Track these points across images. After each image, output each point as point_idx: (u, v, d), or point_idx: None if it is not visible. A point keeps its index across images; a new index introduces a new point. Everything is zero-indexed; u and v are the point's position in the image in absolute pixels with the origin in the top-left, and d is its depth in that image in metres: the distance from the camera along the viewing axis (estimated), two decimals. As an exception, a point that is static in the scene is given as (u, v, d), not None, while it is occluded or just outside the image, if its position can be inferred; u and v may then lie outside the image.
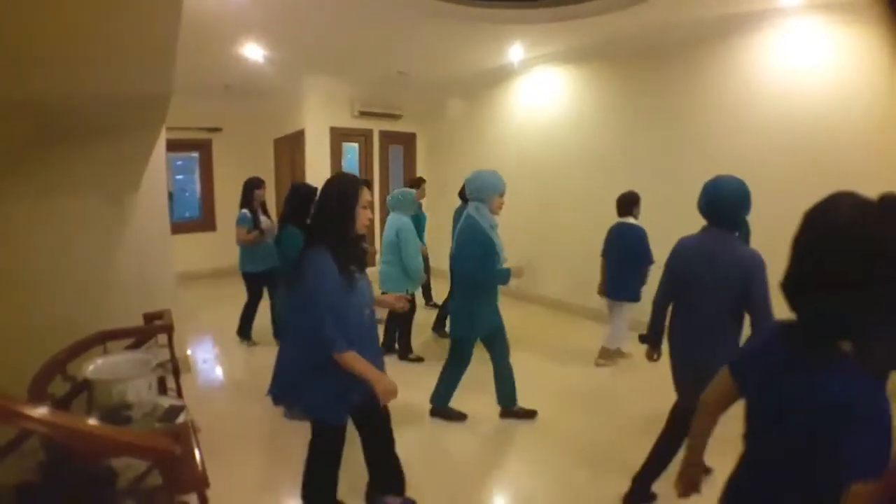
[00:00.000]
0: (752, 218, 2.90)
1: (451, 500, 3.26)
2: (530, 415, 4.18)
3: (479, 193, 3.73)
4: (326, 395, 2.45)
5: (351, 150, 9.45)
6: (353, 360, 2.32)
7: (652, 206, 5.38)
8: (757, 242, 3.33)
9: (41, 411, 1.44)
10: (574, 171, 7.25)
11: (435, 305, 7.38)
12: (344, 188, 2.47)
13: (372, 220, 2.61)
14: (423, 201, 6.99)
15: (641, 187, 5.25)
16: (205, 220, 10.06)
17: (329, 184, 2.54)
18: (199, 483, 1.65)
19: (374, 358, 2.51)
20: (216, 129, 9.80)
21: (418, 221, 6.43)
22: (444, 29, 5.97)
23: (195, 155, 9.93)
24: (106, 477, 1.96)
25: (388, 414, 2.79)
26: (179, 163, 9.96)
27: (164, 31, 2.15)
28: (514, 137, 8.29)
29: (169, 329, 3.35)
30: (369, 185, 2.57)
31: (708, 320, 2.67)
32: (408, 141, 10.12)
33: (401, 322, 5.48)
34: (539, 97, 7.82)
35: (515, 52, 7.17)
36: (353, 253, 2.50)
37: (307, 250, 2.42)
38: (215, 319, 7.06)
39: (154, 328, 3.36)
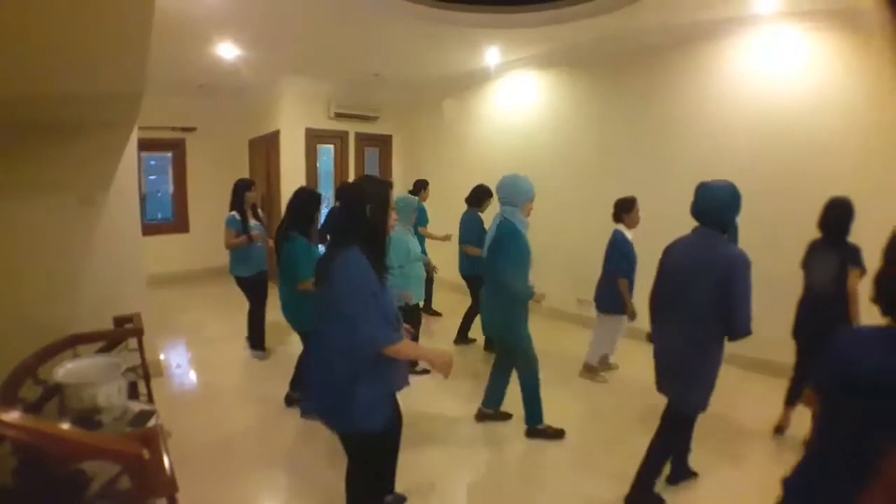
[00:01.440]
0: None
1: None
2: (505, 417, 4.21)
3: (514, 199, 3.73)
4: (369, 403, 2.32)
5: (326, 151, 9.42)
6: (408, 347, 2.36)
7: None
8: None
9: (11, 416, 1.43)
10: (552, 175, 7.28)
11: (435, 313, 7.42)
12: (382, 192, 2.45)
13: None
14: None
15: (619, 191, 5.19)
16: (178, 222, 9.91)
17: (364, 187, 2.52)
18: (168, 487, 1.65)
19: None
20: (190, 129, 9.66)
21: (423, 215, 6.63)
22: (421, 31, 5.99)
23: (168, 155, 9.79)
24: (79, 481, 1.94)
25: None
26: (153, 163, 9.81)
27: (136, 28, 2.14)
28: (491, 140, 8.34)
29: (139, 333, 3.32)
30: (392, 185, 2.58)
31: (692, 316, 2.79)
32: (384, 143, 10.11)
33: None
34: (516, 101, 7.88)
35: (492, 55, 7.23)
36: (383, 254, 2.48)
37: (341, 252, 2.34)
38: (189, 323, 7.01)
39: (124, 332, 3.33)
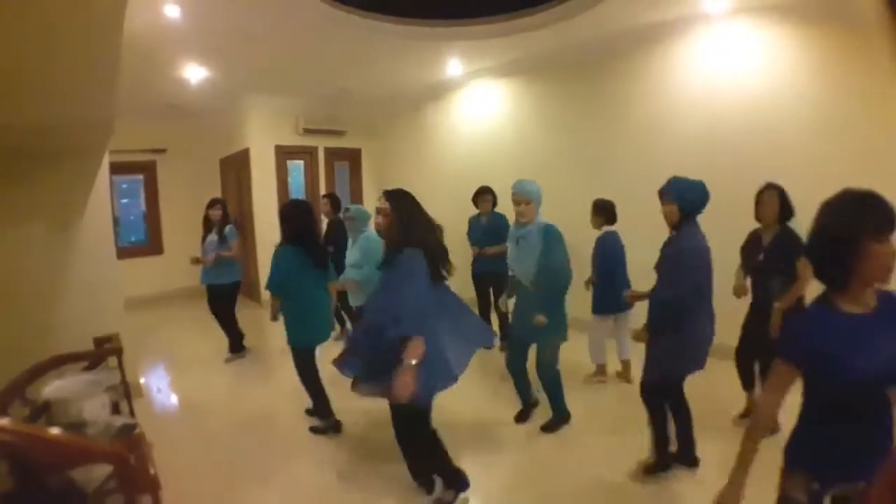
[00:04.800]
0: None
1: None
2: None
3: None
4: None
5: (296, 167, 9.54)
6: None
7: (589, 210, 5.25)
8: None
9: (3, 420, 1.55)
10: (516, 179, 7.44)
11: None
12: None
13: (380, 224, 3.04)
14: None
15: (581, 192, 5.36)
16: (151, 244, 9.94)
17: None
18: (153, 485, 1.78)
19: None
20: (160, 151, 9.71)
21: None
22: (384, 46, 6.17)
23: (140, 177, 9.82)
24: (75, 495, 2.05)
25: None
26: (124, 186, 9.82)
27: (105, 55, 2.24)
28: (458, 149, 8.53)
29: (118, 351, 3.42)
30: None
31: None
32: (353, 157, 10.25)
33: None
34: (480, 109, 8.08)
35: (454, 66, 7.44)
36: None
37: None
38: (166, 344, 7.01)
39: (104, 351, 3.43)
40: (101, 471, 2.06)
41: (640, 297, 3.56)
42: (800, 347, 1.67)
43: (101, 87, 2.66)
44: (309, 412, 4.49)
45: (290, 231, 4.17)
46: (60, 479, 2.05)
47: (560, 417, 4.16)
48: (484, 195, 6.02)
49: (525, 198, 3.83)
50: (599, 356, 5.03)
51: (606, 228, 4.79)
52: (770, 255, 3.73)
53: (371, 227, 4.50)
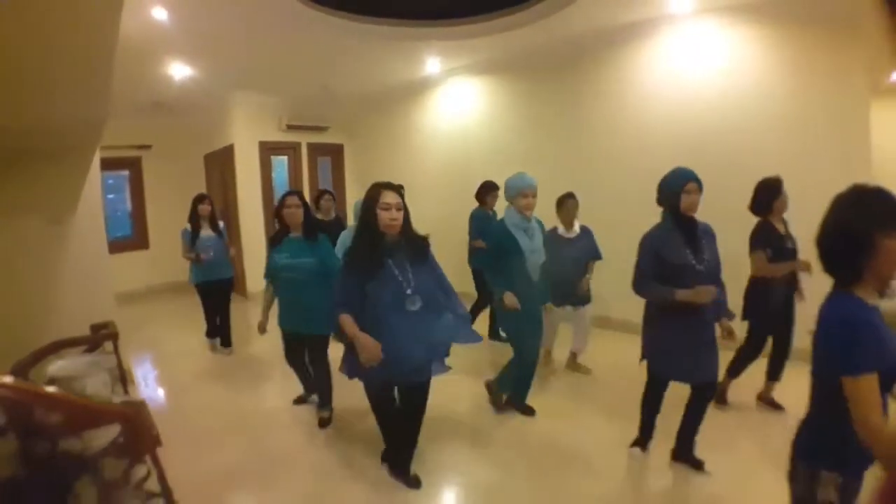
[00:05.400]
0: (655, 215, 3.37)
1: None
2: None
3: (508, 196, 4.01)
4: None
5: (280, 163, 9.71)
6: (345, 322, 2.88)
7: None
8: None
9: (26, 383, 1.77)
10: (490, 174, 7.61)
11: None
12: (368, 194, 3.01)
13: (396, 219, 2.96)
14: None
15: (555, 188, 5.40)
16: (137, 239, 10.10)
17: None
18: (154, 442, 2.00)
19: (397, 340, 2.91)
20: (146, 147, 9.86)
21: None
22: (365, 45, 6.37)
23: (125, 173, 9.96)
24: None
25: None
26: (110, 181, 9.88)
27: (100, 57, 2.38)
28: (437, 144, 8.73)
29: (114, 336, 3.63)
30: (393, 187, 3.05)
31: None
32: (335, 152, 10.45)
33: None
34: (458, 106, 8.28)
35: (433, 64, 7.69)
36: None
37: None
38: (153, 339, 7.03)
39: (102, 335, 3.63)
40: (103, 438, 2.28)
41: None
42: (872, 348, 1.54)
43: (97, 86, 2.80)
44: (296, 402, 4.61)
45: (316, 221, 4.23)
46: (62, 449, 2.25)
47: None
48: (494, 191, 5.89)
49: (534, 191, 3.96)
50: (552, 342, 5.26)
51: (580, 224, 4.93)
52: (794, 244, 3.93)
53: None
